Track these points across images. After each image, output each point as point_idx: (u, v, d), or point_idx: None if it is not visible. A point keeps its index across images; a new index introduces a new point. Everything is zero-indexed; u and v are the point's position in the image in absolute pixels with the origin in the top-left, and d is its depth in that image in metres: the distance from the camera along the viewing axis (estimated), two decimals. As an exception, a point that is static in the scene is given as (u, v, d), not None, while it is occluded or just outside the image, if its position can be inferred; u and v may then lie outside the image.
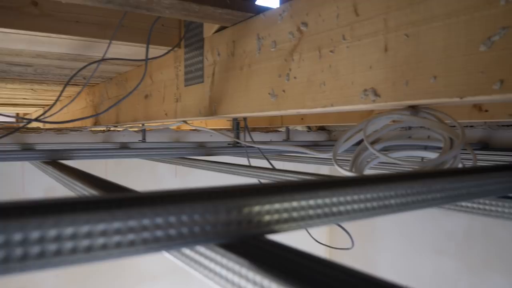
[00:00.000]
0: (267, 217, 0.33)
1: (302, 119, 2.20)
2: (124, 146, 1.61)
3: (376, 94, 0.64)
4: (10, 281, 1.70)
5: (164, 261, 2.10)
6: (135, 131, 2.05)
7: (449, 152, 0.61)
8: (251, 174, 1.02)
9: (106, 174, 2.04)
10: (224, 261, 0.29)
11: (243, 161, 1.43)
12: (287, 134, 2.41)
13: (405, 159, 0.74)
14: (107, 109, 1.20)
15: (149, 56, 1.11)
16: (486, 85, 0.51)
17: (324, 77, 0.73)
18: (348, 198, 0.37)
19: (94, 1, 0.80)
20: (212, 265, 0.31)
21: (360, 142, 0.73)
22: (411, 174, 0.44)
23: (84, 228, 0.25)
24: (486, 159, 1.49)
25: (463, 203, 0.55)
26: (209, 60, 1.07)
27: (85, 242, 0.25)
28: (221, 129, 2.18)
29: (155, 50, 1.19)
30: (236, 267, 0.28)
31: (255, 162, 1.43)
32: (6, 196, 1.82)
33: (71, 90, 2.34)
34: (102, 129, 2.04)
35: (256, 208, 0.33)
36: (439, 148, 0.66)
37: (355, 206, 0.37)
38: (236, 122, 1.74)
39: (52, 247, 0.24)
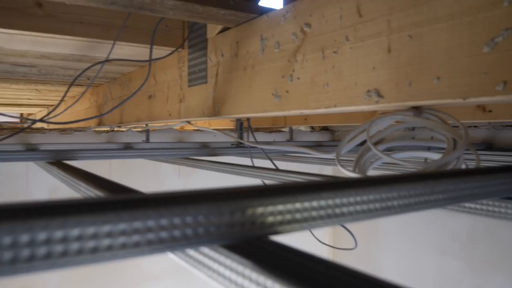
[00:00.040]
0: (270, 219, 0.33)
1: (305, 119, 2.20)
2: (127, 146, 1.62)
3: (379, 95, 0.64)
4: (14, 281, 1.71)
5: (166, 261, 2.10)
6: (138, 131, 2.06)
7: (452, 153, 0.61)
8: (254, 174, 1.03)
9: (110, 174, 2.05)
10: (228, 262, 0.30)
11: (246, 161, 1.43)
12: (291, 134, 2.41)
13: (408, 160, 0.74)
14: (111, 109, 1.21)
15: (153, 57, 1.11)
16: (489, 86, 0.51)
17: (327, 78, 0.74)
18: (351, 199, 0.37)
19: (98, 2, 0.80)
20: (216, 266, 0.31)
21: (363, 142, 0.73)
22: (413, 176, 0.44)
23: (90, 230, 0.25)
24: (490, 159, 1.48)
25: (467, 204, 0.55)
26: (212, 61, 1.08)
27: (91, 243, 0.25)
28: (224, 130, 2.18)
29: (159, 51, 1.19)
30: (240, 268, 0.28)
31: (259, 162, 1.43)
32: (10, 196, 1.83)
33: (75, 91, 2.35)
34: (106, 129, 2.05)
35: (260, 210, 0.33)
36: (443, 148, 0.66)
37: (358, 208, 0.38)
38: (239, 122, 1.74)
39: (58, 248, 0.24)
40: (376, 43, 0.65)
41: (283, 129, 2.46)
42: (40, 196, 1.91)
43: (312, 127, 2.61)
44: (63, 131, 1.90)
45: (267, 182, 1.00)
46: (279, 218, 0.34)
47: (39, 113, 4.18)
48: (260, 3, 0.93)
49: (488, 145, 1.88)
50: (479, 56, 0.51)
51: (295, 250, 0.30)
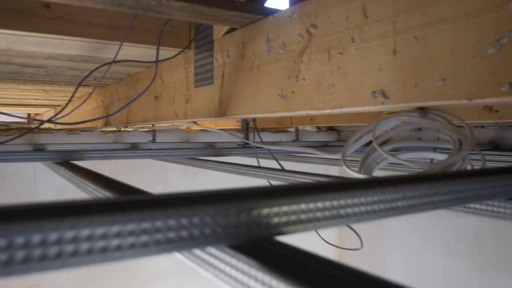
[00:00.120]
0: (275, 219, 0.34)
1: (311, 119, 2.20)
2: (134, 147, 1.63)
3: (385, 96, 0.65)
4: (21, 280, 1.72)
5: (172, 260, 2.11)
6: (145, 131, 2.07)
7: (458, 154, 0.62)
8: (260, 175, 1.03)
9: (116, 173, 2.06)
10: (234, 261, 0.30)
11: (252, 161, 1.44)
12: (297, 134, 2.41)
13: (414, 161, 0.74)
14: (119, 110, 1.21)
15: (160, 58, 1.12)
16: (494, 88, 0.51)
17: (333, 79, 0.74)
18: (355, 200, 0.37)
19: (105, 4, 0.81)
20: (222, 266, 0.31)
21: (369, 143, 0.73)
22: (418, 177, 0.44)
23: (100, 230, 0.26)
24: (497, 159, 1.48)
25: (472, 205, 0.56)
26: (218, 62, 1.08)
27: (100, 243, 0.26)
28: (230, 130, 2.19)
29: (165, 52, 1.20)
30: (246, 268, 0.29)
31: (264, 162, 1.43)
32: (18, 196, 1.85)
33: (82, 91, 2.37)
34: (112, 129, 2.06)
35: (265, 211, 0.33)
36: (449, 149, 0.66)
37: (362, 209, 0.38)
38: (245, 122, 1.74)
39: (69, 248, 0.25)
40: (381, 44, 0.65)
41: (289, 129, 2.46)
42: (47, 196, 1.92)
43: (318, 127, 2.61)
44: (70, 131, 1.91)
45: (273, 182, 1.01)
46: (284, 219, 0.34)
47: (46, 113, 4.21)
48: (266, 4, 0.93)
49: (495, 145, 1.88)
50: (485, 57, 0.52)
51: (300, 250, 0.31)
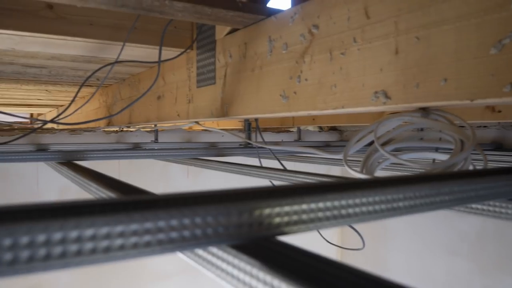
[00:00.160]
0: (277, 219, 0.34)
1: (313, 119, 2.20)
2: (137, 147, 1.63)
3: (387, 96, 0.65)
4: (24, 279, 1.73)
5: (175, 260, 2.11)
6: (147, 131, 2.07)
7: (460, 154, 0.62)
8: (262, 175, 1.03)
9: (119, 173, 2.06)
10: (236, 261, 0.30)
11: (254, 161, 1.44)
12: (299, 134, 2.41)
13: (416, 161, 0.74)
14: (121, 110, 1.22)
15: (162, 58, 1.13)
16: (496, 88, 0.51)
17: (335, 79, 0.74)
18: (357, 200, 0.38)
19: (108, 5, 0.81)
20: (224, 265, 0.31)
21: (371, 143, 0.74)
22: (419, 177, 0.45)
23: (103, 230, 0.26)
24: (500, 159, 1.47)
25: (473, 205, 0.56)
26: (221, 62, 1.08)
27: (104, 243, 0.26)
28: (232, 130, 2.19)
29: (168, 52, 1.21)
30: (248, 268, 0.29)
31: (266, 162, 1.43)
32: (20, 196, 1.85)
33: (84, 91, 2.38)
34: (115, 129, 2.07)
35: (267, 211, 0.33)
36: (451, 149, 0.66)
37: (364, 209, 0.38)
38: (247, 122, 1.75)
39: (73, 247, 0.25)
40: (383, 44, 0.65)
41: (291, 129, 2.47)
42: (50, 196, 1.93)
43: (320, 127, 2.61)
44: (72, 131, 1.92)
45: (275, 182, 1.01)
46: (286, 219, 0.34)
47: (49, 113, 4.22)
48: (268, 5, 0.93)
49: (498, 145, 1.87)
50: (486, 58, 0.52)
51: (302, 250, 0.31)
